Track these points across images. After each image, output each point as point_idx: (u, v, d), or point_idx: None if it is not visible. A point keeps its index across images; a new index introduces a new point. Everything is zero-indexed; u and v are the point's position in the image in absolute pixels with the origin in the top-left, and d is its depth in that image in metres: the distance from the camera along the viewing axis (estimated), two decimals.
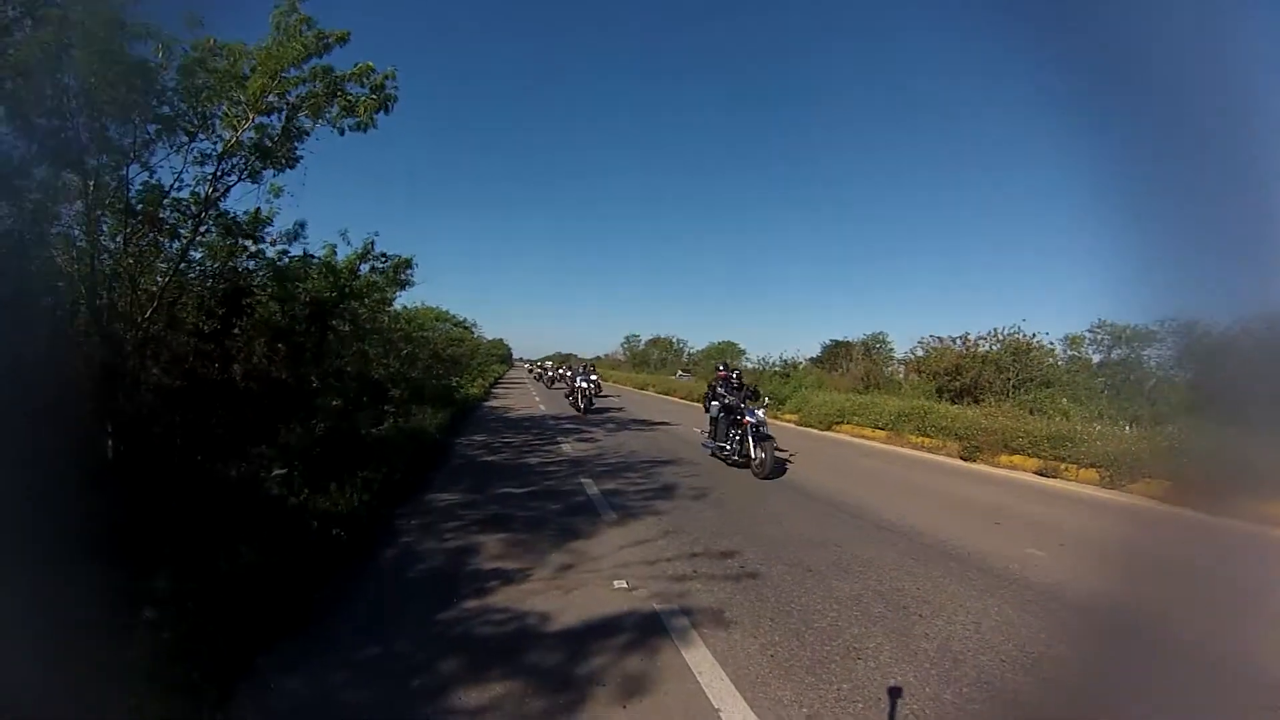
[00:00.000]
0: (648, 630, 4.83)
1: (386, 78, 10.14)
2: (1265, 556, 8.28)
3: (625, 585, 5.73)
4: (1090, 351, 27.13)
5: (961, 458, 15.59)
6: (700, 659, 4.36)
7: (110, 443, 7.68)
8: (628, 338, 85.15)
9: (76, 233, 7.77)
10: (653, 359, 70.15)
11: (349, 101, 9.90)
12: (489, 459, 13.05)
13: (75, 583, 4.02)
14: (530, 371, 64.03)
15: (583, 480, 10.61)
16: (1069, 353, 27.04)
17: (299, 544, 5.70)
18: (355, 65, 9.87)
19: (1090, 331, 27.17)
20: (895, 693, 3.98)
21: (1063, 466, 13.39)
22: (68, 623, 3.68)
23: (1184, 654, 4.91)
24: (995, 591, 5.93)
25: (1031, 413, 19.98)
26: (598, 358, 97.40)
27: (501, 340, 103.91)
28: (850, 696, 3.97)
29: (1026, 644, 4.83)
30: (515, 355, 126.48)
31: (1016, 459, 14.48)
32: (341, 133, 10.14)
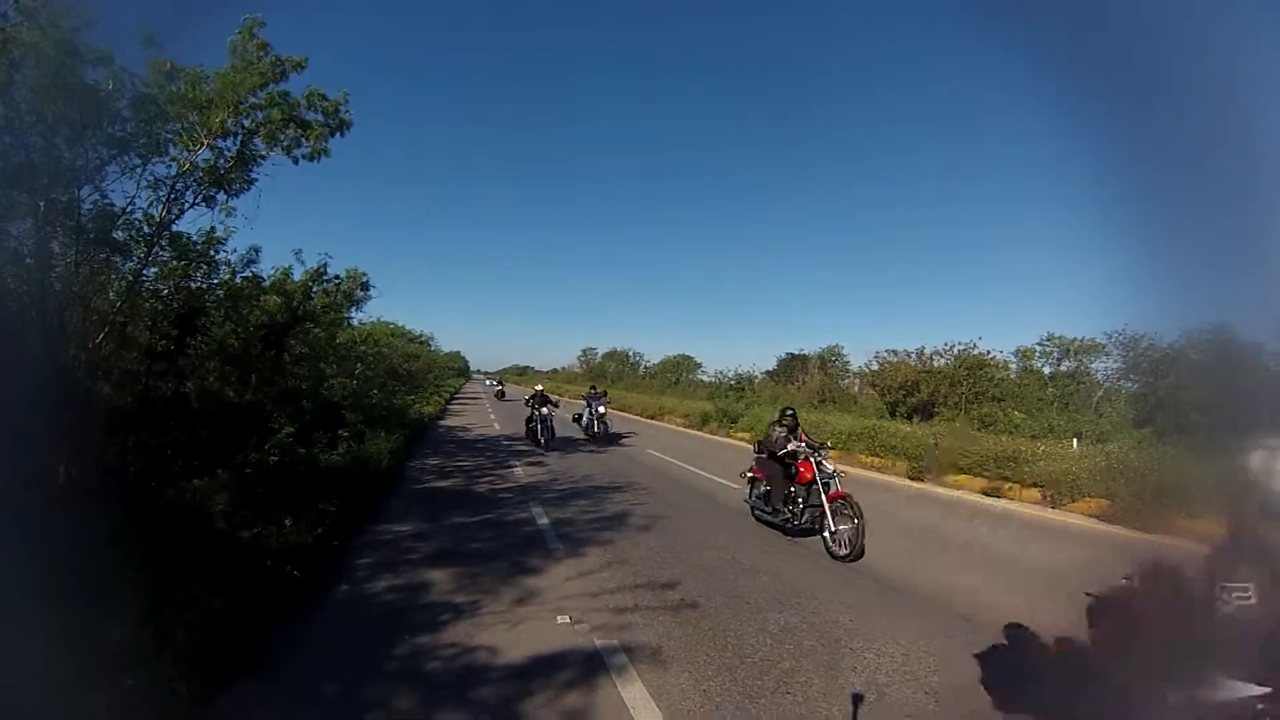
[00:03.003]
0: (588, 666, 5.03)
1: (339, 104, 10.22)
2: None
3: (569, 620, 5.93)
4: (1041, 364, 27.88)
5: (910, 478, 15.92)
6: (636, 695, 4.57)
7: (62, 468, 7.66)
8: (584, 350, 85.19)
9: (25, 250, 7.75)
10: (609, 372, 70.17)
11: (304, 126, 9.94)
12: (442, 485, 13.21)
13: (26, 621, 4.07)
14: (505, 396, 52.48)
15: (534, 509, 10.76)
16: (1020, 364, 27.76)
17: (253, 582, 5.80)
18: (306, 90, 9.91)
19: (1040, 344, 27.93)
20: None
21: (1007, 486, 13.75)
22: (20, 668, 3.73)
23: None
24: (927, 621, 6.19)
25: (984, 427, 20.45)
26: (554, 370, 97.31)
27: (458, 353, 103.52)
28: None
29: (951, 674, 5.08)
30: (472, 368, 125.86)
31: (963, 479, 14.82)
32: (296, 162, 10.17)
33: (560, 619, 5.95)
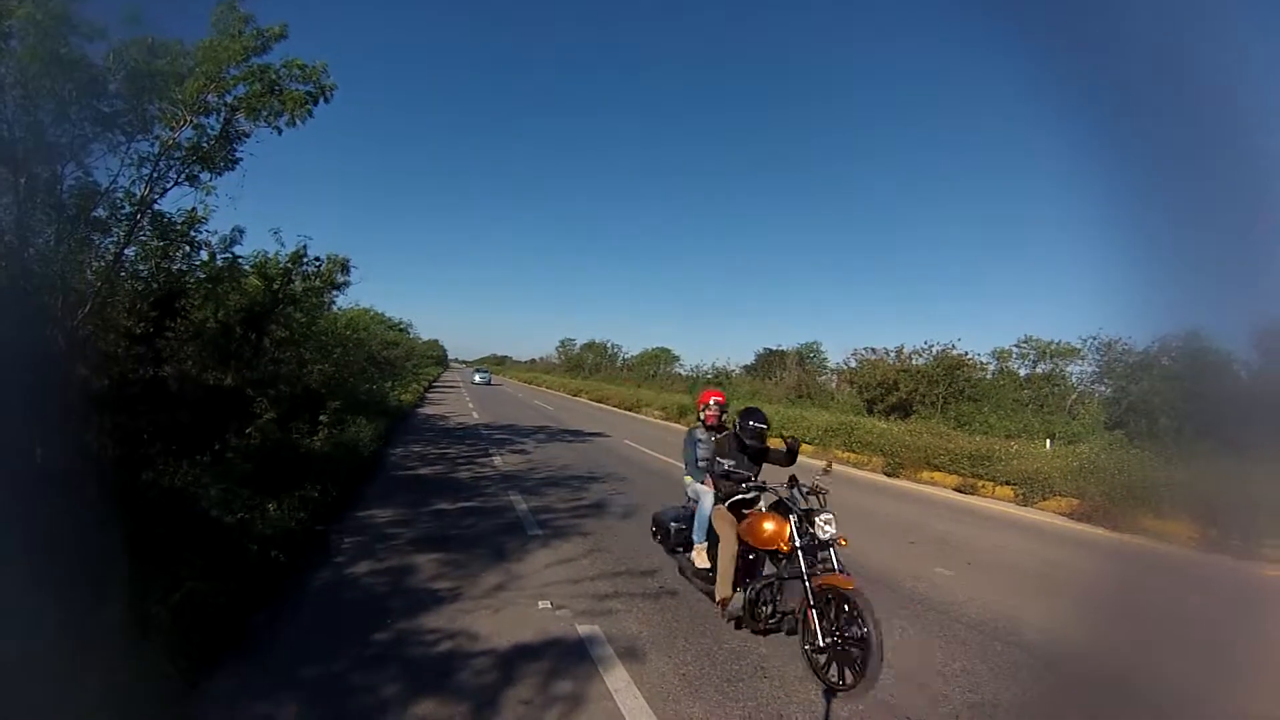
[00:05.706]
0: (569, 651, 5.09)
1: (318, 72, 10.04)
2: (1151, 571, 8.90)
3: (549, 605, 5.99)
4: (1017, 365, 28.29)
5: (885, 474, 16.12)
6: (617, 679, 4.63)
7: (37, 450, 7.59)
8: (563, 341, 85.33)
9: (3, 226, 7.67)
10: (588, 363, 70.30)
11: (287, 98, 9.73)
12: (423, 472, 13.28)
13: (6, 604, 4.05)
14: None
15: (513, 497, 10.84)
16: (997, 365, 28.17)
17: (238, 566, 5.81)
18: (284, 60, 9.69)
19: (1017, 346, 28.34)
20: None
21: (980, 484, 13.95)
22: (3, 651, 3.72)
23: (1074, 670, 5.35)
24: (900, 611, 6.30)
25: (960, 426, 20.74)
26: (533, 361, 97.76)
27: (437, 341, 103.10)
28: (755, 715, 4.29)
29: (924, 663, 5.21)
30: (450, 356, 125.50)
31: (938, 475, 15.04)
32: (279, 131, 9.94)
33: (541, 604, 6.01)
